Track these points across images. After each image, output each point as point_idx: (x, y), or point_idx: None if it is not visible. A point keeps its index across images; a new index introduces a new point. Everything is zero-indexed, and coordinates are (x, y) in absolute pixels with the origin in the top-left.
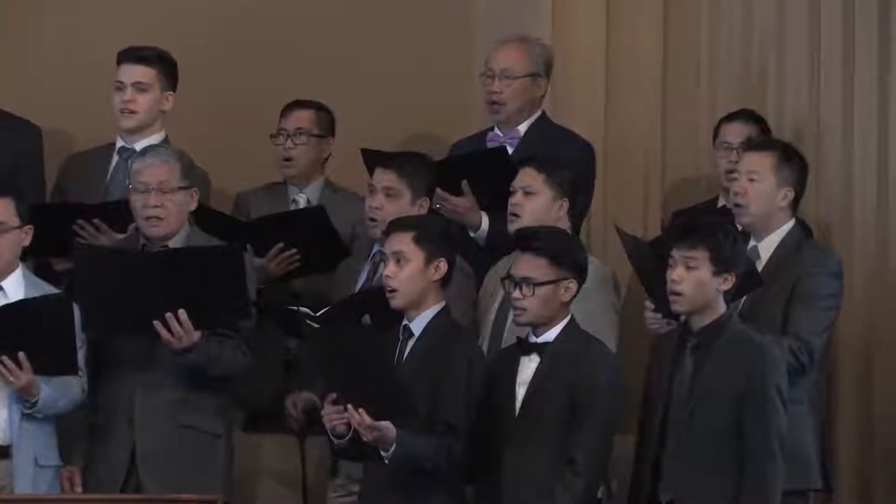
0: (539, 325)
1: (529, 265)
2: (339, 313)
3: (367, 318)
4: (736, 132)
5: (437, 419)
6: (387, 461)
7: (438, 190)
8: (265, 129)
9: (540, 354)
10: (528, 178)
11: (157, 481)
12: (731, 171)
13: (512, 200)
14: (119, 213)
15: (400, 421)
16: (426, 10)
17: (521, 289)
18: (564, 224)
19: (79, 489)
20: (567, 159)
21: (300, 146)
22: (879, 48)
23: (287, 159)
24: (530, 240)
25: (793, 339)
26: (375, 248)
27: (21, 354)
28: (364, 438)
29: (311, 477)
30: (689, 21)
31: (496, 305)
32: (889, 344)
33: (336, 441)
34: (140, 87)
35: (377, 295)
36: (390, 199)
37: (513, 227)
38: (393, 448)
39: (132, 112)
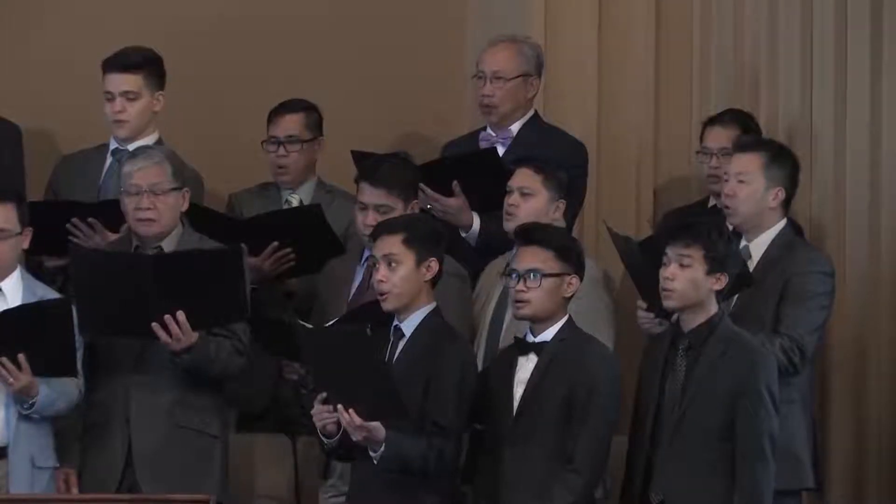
0: (539, 320)
1: (536, 257)
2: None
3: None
4: (715, 137)
5: (427, 420)
6: (375, 461)
7: (429, 191)
8: (258, 129)
9: (538, 354)
10: (525, 178)
11: (153, 482)
12: (712, 176)
13: (509, 200)
14: (114, 213)
15: (390, 421)
16: (418, 10)
17: (525, 281)
18: (559, 225)
19: (75, 490)
20: (561, 159)
21: (293, 153)
22: (872, 49)
23: (280, 167)
24: (536, 233)
25: (784, 339)
26: (367, 252)
27: (21, 356)
28: (354, 438)
29: (304, 477)
30: (682, 21)
31: (492, 305)
32: (881, 344)
33: (326, 441)
34: (129, 97)
35: (369, 309)
36: (384, 214)
37: (508, 226)
38: (382, 448)
39: (124, 122)
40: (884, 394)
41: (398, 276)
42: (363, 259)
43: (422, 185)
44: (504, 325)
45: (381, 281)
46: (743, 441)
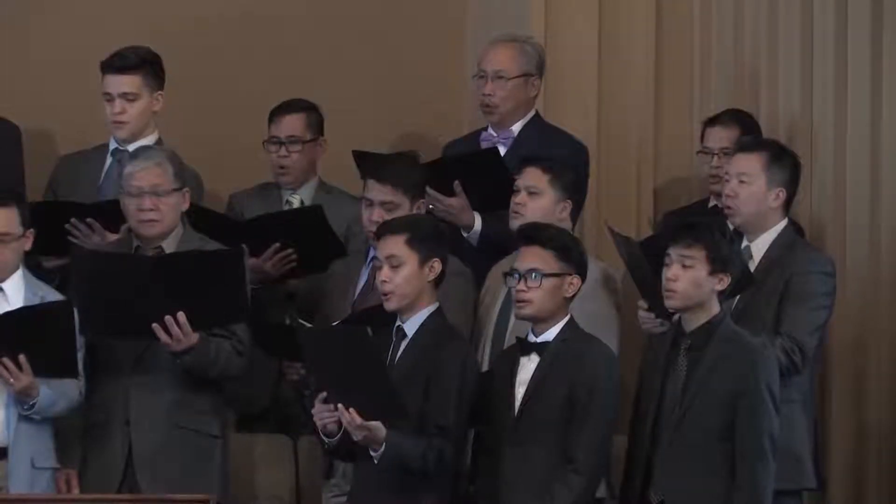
0: (540, 320)
1: (537, 257)
2: None
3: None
4: (716, 137)
5: (428, 420)
6: (376, 461)
7: (431, 191)
8: (258, 129)
9: (539, 354)
10: (533, 178)
11: (154, 482)
12: (713, 176)
13: (515, 199)
14: (114, 213)
15: (390, 421)
16: (418, 10)
17: (526, 281)
18: (566, 225)
19: (76, 491)
20: (563, 159)
21: (294, 153)
22: (872, 49)
23: (282, 167)
24: (537, 233)
25: (785, 339)
26: (373, 253)
27: (21, 357)
28: (354, 438)
29: (304, 477)
30: (682, 21)
31: (498, 306)
32: (882, 344)
33: (326, 440)
34: (128, 98)
35: (373, 314)
36: (390, 212)
37: (514, 224)
38: (382, 448)
39: (124, 123)
40: (884, 394)
41: (401, 276)
42: (368, 259)
43: (430, 189)
44: (509, 327)
45: (385, 281)
46: (743, 441)
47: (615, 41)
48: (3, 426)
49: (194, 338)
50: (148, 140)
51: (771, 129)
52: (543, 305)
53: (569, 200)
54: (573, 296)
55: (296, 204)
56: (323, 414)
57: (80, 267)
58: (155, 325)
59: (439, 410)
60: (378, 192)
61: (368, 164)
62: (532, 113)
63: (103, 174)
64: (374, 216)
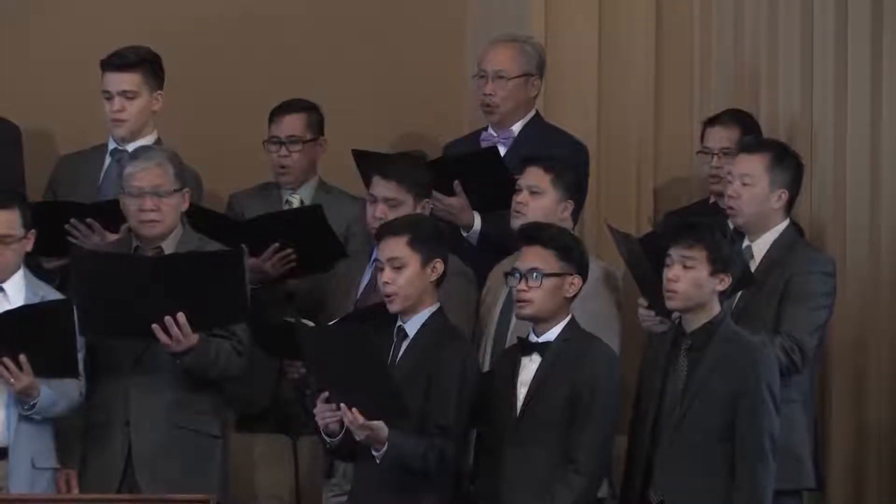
0: (541, 320)
1: (537, 257)
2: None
3: None
4: (716, 137)
5: (429, 420)
6: (378, 461)
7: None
8: (258, 129)
9: (541, 354)
10: (535, 177)
11: (153, 482)
12: (713, 176)
13: (517, 198)
14: (113, 213)
15: (392, 421)
16: (418, 10)
17: (526, 280)
18: (568, 225)
19: (76, 491)
20: (564, 159)
21: (295, 153)
22: (872, 49)
23: (282, 167)
24: (538, 233)
25: (785, 338)
26: (376, 253)
27: (22, 357)
28: (356, 437)
29: (304, 477)
30: (682, 21)
31: (499, 306)
32: (882, 344)
33: (328, 440)
34: (128, 96)
35: (374, 311)
36: (393, 209)
37: (515, 223)
38: (384, 448)
39: (123, 121)
40: (884, 394)
41: (404, 277)
42: (371, 259)
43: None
44: (510, 327)
45: (387, 283)
46: (743, 441)
47: (615, 41)
48: (3, 426)
49: (194, 338)
50: (147, 140)
51: (771, 129)
52: (544, 305)
53: (570, 200)
54: (574, 296)
55: (296, 204)
56: (325, 413)
57: (79, 267)
58: (155, 326)
59: (440, 410)
60: (383, 188)
61: (374, 161)
62: (532, 113)
63: (102, 174)
64: (378, 212)
